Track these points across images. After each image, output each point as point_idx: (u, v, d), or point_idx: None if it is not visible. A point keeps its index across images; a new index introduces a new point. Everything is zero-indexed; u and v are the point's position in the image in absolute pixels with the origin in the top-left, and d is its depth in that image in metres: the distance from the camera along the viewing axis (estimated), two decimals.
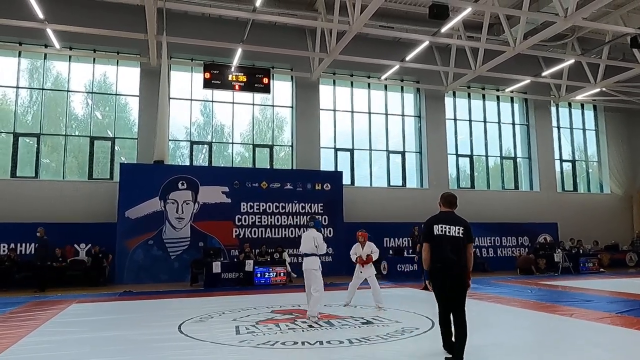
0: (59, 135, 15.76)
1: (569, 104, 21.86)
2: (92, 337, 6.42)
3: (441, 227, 4.93)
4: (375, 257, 8.95)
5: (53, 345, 5.92)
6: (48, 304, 9.57)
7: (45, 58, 15.81)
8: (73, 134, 15.97)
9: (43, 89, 15.79)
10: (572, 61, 17.73)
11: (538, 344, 5.86)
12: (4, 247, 13.45)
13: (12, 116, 15.42)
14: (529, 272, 15.90)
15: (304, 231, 8.16)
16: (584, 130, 22.20)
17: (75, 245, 14.07)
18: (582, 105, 22.13)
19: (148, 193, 14.28)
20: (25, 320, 7.76)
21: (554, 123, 21.50)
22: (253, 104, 17.77)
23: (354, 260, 9.00)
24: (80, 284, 13.07)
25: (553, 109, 21.54)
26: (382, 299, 8.66)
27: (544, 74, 18.76)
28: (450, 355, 4.91)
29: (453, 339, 4.91)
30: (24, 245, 13.70)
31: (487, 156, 20.44)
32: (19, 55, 15.60)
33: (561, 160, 21.47)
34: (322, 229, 8.07)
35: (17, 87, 15.51)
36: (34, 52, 15.56)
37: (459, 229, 4.93)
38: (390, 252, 16.00)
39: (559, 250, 16.95)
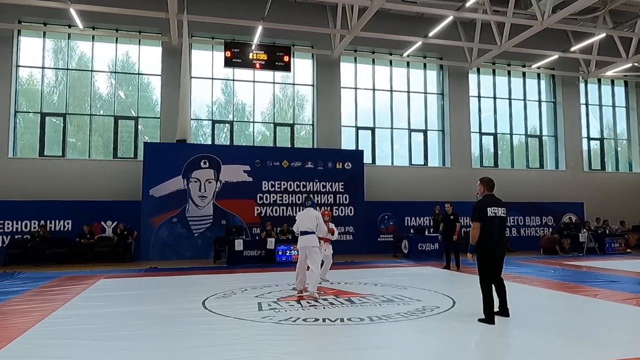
0: (84, 115, 16.04)
1: (599, 80, 21.14)
2: (120, 312, 6.62)
3: (493, 209, 5.81)
4: (330, 236, 9.01)
5: (83, 319, 6.12)
6: (77, 279, 9.89)
7: (69, 38, 15.99)
8: (98, 114, 16.23)
9: (68, 69, 16.03)
10: (603, 35, 17.05)
11: (561, 325, 5.80)
12: (34, 223, 13.89)
13: (38, 96, 15.74)
14: (552, 252, 15.70)
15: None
16: (613, 107, 21.49)
17: (102, 223, 14.45)
18: (613, 82, 21.39)
19: (171, 172, 14.49)
20: (56, 294, 8.05)
21: (582, 100, 20.87)
22: (274, 83, 17.72)
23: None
24: (107, 260, 13.47)
25: (582, 86, 20.89)
26: (325, 275, 8.98)
27: (572, 49, 18.13)
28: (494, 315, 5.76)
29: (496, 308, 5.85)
30: (53, 222, 14.12)
31: (511, 134, 20.03)
32: (44, 36, 15.82)
33: (589, 139, 20.91)
34: (317, 209, 8.09)
35: (43, 68, 15.78)
36: (58, 33, 15.75)
37: (503, 210, 5.90)
38: (412, 231, 15.97)
39: (584, 230, 16.65)
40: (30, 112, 15.75)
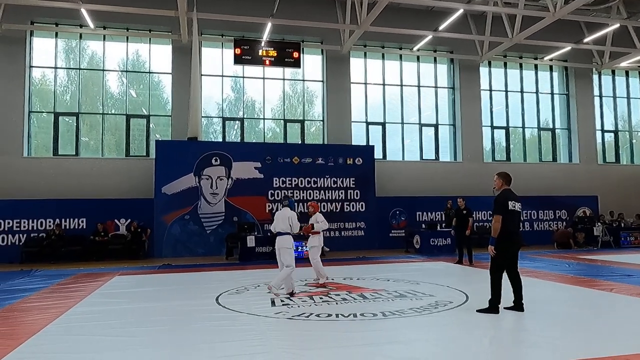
0: (97, 114, 16.19)
1: (613, 72, 20.82)
2: (135, 308, 6.70)
3: (513, 203, 5.96)
4: (316, 227, 8.70)
5: (99, 315, 6.21)
6: (93, 276, 10.01)
7: (80, 38, 16.14)
8: (110, 112, 16.38)
9: (80, 69, 16.18)
10: (617, 26, 16.77)
11: (576, 318, 5.76)
12: (49, 222, 14.09)
13: (52, 96, 15.92)
14: (566, 246, 15.55)
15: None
16: (628, 98, 21.15)
17: (116, 221, 14.59)
18: (627, 73, 21.05)
19: (183, 169, 14.58)
20: (72, 291, 8.16)
21: (596, 92, 20.58)
22: (283, 79, 17.72)
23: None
24: (122, 257, 13.62)
25: (595, 77, 20.59)
26: (323, 273, 8.52)
27: (586, 40, 17.87)
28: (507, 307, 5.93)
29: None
30: (68, 220, 14.30)
31: (523, 128, 19.83)
32: (56, 37, 15.98)
33: (603, 131, 20.62)
34: (295, 208, 7.99)
35: (55, 68, 15.95)
36: (70, 33, 15.91)
37: (520, 205, 6.09)
38: (423, 226, 15.91)
39: (599, 223, 16.46)
40: (43, 112, 15.94)
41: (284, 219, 7.62)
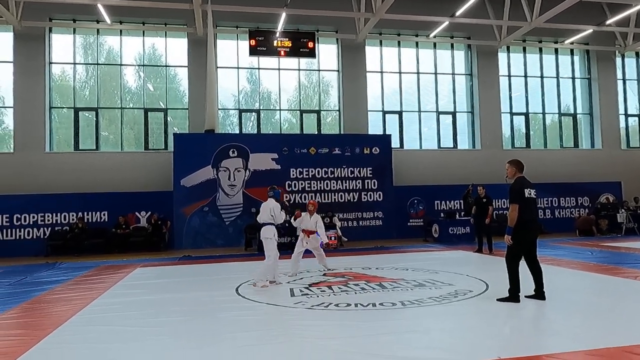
0: (115, 109, 16.40)
1: (637, 54, 20.23)
2: (157, 299, 6.82)
3: (529, 190, 5.90)
4: (319, 231, 8.56)
5: (122, 307, 6.33)
6: (115, 268, 10.22)
7: (97, 33, 16.32)
8: (128, 107, 16.57)
9: (98, 64, 16.38)
10: None
11: (599, 307, 5.67)
12: (72, 216, 14.39)
13: (71, 92, 16.16)
14: (589, 234, 15.28)
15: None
16: None
17: (137, 213, 14.84)
18: None
19: (201, 162, 14.71)
20: (95, 283, 8.34)
21: (619, 75, 20.03)
22: (299, 69, 17.67)
23: (299, 230, 8.79)
24: (143, 249, 13.84)
25: (618, 60, 20.04)
26: (327, 263, 8.84)
27: (608, 22, 17.36)
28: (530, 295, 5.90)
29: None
30: (90, 213, 14.60)
31: (544, 113, 19.44)
32: (74, 32, 16.18)
33: (626, 115, 20.10)
34: (279, 198, 7.98)
35: (74, 63, 16.17)
36: (87, 29, 16.09)
37: (535, 191, 6.02)
38: (442, 214, 15.79)
39: (623, 210, 16.11)
40: (64, 108, 16.21)
41: (267, 210, 7.66)
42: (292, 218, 8.47)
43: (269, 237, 7.58)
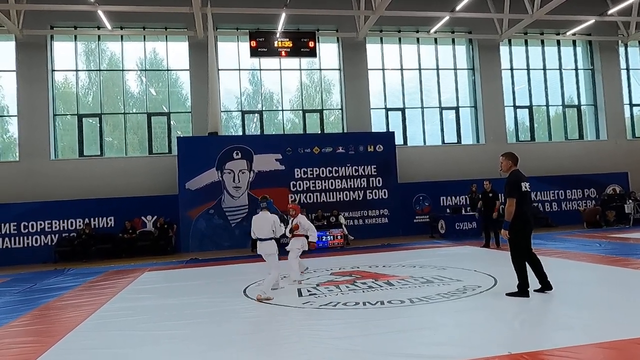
0: (119, 114, 16.46)
1: None
2: (166, 303, 6.83)
3: (524, 184, 5.84)
4: (304, 233, 7.99)
5: (131, 311, 6.36)
6: (123, 273, 10.25)
7: (99, 40, 16.37)
8: (131, 112, 16.62)
9: (100, 70, 16.44)
10: None
11: (609, 299, 5.63)
12: (79, 222, 14.46)
13: (74, 98, 16.23)
14: (596, 225, 15.19)
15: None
16: None
17: (143, 218, 14.88)
18: None
19: (205, 164, 14.73)
20: (104, 288, 8.38)
21: (623, 65, 19.90)
22: (300, 69, 17.67)
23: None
24: (150, 253, 13.89)
25: (621, 50, 19.90)
26: (296, 274, 7.78)
27: (610, 11, 17.25)
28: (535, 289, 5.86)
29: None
30: (97, 219, 14.65)
31: (547, 106, 19.34)
32: (75, 40, 16.25)
33: (631, 105, 19.95)
34: (275, 208, 7.30)
35: (77, 70, 16.24)
36: (88, 35, 16.15)
37: (530, 184, 5.95)
38: (448, 210, 15.74)
39: (630, 201, 16.00)
40: (67, 115, 16.28)
41: (266, 224, 6.97)
42: (289, 231, 7.99)
43: (273, 252, 7.02)
